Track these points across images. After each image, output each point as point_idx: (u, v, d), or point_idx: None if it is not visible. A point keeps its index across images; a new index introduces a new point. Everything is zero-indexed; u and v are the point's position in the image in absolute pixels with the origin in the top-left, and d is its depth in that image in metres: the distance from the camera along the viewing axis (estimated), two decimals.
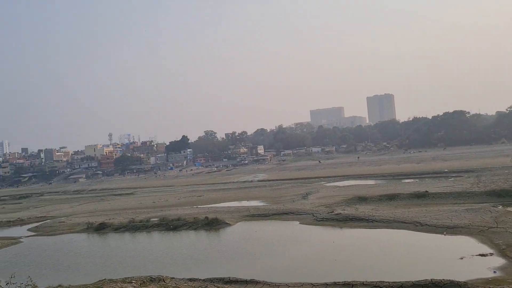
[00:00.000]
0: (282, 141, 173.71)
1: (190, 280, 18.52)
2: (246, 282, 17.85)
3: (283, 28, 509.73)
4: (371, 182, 60.50)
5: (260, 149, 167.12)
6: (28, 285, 11.59)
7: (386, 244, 24.75)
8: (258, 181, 79.43)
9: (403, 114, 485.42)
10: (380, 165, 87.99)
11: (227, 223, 35.03)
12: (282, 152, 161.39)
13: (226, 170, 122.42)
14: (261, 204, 46.21)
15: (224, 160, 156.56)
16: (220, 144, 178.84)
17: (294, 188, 57.98)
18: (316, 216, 33.74)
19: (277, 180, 76.36)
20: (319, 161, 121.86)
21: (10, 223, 47.66)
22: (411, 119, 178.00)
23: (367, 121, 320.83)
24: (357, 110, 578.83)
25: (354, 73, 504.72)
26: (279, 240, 28.36)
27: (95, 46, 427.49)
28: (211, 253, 26.69)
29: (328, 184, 61.83)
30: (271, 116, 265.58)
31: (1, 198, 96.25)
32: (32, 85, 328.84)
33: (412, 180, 57.28)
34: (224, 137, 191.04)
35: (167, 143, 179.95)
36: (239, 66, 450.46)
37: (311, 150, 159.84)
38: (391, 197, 38.52)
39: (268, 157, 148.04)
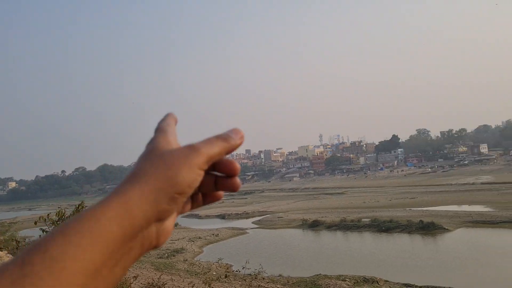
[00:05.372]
0: None
1: (406, 285, 17.67)
2: None
3: None
4: None
5: (483, 148, 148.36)
6: (260, 271, 13.41)
7: None
8: (482, 183, 70.48)
9: None
10: None
11: (445, 228, 32.34)
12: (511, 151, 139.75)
13: (442, 171, 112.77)
14: (486, 209, 40.94)
15: (439, 160, 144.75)
16: (435, 143, 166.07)
17: None
18: None
19: (506, 183, 66.39)
20: None
21: (238, 216, 54.69)
22: None
23: None
24: None
25: None
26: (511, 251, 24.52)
27: None
28: (426, 259, 24.91)
29: None
30: (495, 111, 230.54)
31: (231, 193, 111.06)
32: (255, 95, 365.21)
33: None
34: (439, 135, 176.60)
35: (376, 143, 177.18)
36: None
37: None
38: None
39: (494, 157, 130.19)
